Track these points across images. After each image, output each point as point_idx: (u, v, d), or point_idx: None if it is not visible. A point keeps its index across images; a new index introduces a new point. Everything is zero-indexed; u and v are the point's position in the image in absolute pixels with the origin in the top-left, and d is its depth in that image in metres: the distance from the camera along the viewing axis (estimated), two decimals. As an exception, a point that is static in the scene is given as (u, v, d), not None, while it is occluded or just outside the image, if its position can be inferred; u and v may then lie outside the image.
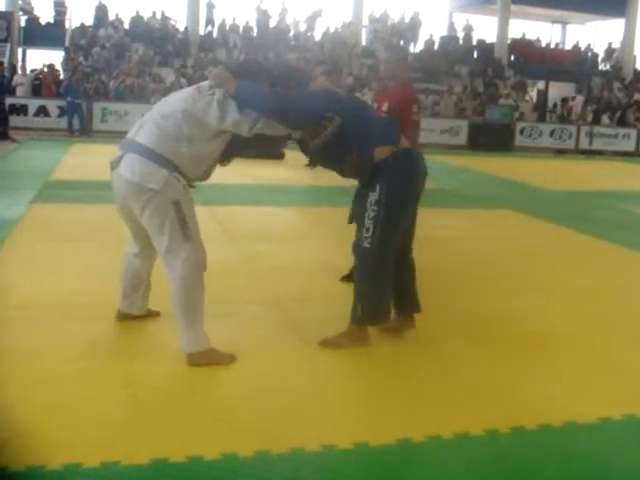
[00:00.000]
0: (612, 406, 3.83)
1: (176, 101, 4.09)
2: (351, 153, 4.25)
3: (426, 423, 3.51)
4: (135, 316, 4.67)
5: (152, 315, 4.78)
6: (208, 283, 5.52)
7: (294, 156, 14.19)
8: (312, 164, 13.78)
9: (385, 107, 5.64)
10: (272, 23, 27.91)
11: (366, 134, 4.23)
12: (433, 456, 3.26)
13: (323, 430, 3.37)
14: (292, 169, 13.30)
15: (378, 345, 4.61)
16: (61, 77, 21.80)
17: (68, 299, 5.20)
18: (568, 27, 36.49)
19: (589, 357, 4.60)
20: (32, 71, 22.33)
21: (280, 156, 14.18)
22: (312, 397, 3.76)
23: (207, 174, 4.33)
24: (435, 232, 8.21)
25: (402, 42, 29.35)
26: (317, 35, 28.52)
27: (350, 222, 4.58)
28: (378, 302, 4.44)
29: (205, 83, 4.15)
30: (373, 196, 4.26)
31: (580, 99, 25.65)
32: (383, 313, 4.49)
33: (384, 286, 4.43)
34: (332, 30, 28.62)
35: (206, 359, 4.04)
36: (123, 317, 4.69)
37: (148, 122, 4.07)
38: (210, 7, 27.71)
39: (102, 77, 21.91)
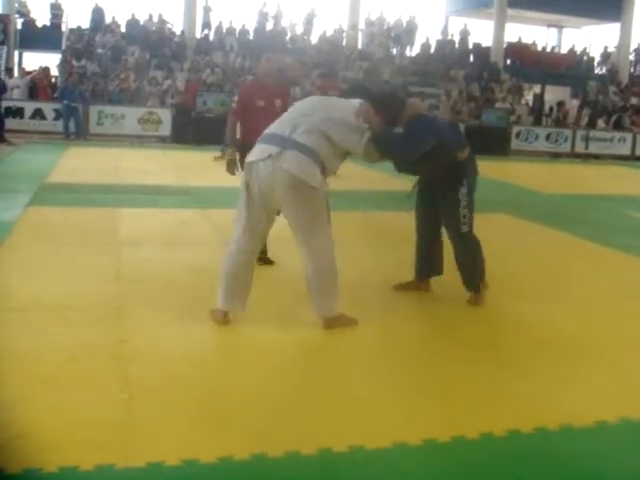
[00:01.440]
0: (608, 409, 3.83)
1: (343, 128, 4.63)
2: (431, 159, 5.11)
3: (422, 426, 3.52)
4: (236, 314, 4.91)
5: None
6: (204, 286, 5.55)
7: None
8: None
9: (279, 104, 6.39)
10: (269, 26, 27.91)
11: (447, 143, 5.17)
12: (429, 459, 3.26)
13: (319, 433, 3.37)
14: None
15: (376, 347, 4.62)
16: (54, 80, 21.76)
17: (65, 301, 5.19)
18: (564, 31, 36.53)
19: (584, 360, 4.61)
20: (28, 73, 22.31)
21: None
22: (308, 400, 3.76)
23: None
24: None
25: (398, 45, 29.44)
26: (313, 37, 28.54)
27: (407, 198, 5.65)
28: (481, 272, 5.59)
29: (353, 112, 4.67)
30: (463, 190, 5.35)
31: (575, 103, 25.69)
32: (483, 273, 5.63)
33: (481, 256, 5.59)
34: (329, 33, 28.62)
35: (339, 322, 4.83)
36: (226, 319, 4.85)
37: (306, 125, 4.59)
38: (207, 10, 27.71)
39: (98, 80, 21.90)
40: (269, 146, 4.56)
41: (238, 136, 6.58)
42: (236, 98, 6.68)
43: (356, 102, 4.79)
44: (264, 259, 6.34)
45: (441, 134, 5.12)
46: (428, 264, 5.81)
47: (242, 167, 5.58)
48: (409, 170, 5.51)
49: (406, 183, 6.05)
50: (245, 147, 6.09)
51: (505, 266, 7.03)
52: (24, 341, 4.34)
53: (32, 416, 3.36)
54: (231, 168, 6.47)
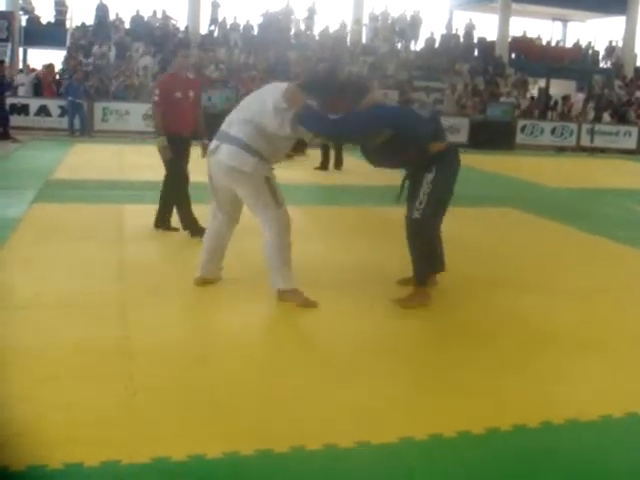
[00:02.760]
0: (613, 404, 3.83)
1: (264, 114, 5.05)
2: (407, 151, 5.26)
3: (428, 421, 3.51)
4: (211, 281, 5.59)
5: (221, 279, 5.68)
6: (208, 284, 5.56)
7: (305, 158, 14.29)
8: (323, 167, 13.83)
9: (192, 95, 7.20)
10: (274, 23, 27.87)
11: (418, 134, 5.25)
12: (435, 454, 3.25)
13: (324, 429, 3.37)
14: (300, 170, 13.24)
15: (379, 342, 4.61)
16: (58, 77, 21.76)
17: (69, 298, 5.19)
18: (569, 25, 36.47)
19: (591, 355, 4.60)
20: (32, 71, 22.32)
21: (302, 151, 14.28)
22: (313, 395, 3.75)
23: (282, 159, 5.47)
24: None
25: (403, 40, 29.37)
26: (316, 32, 28.48)
27: (397, 201, 5.53)
28: (427, 264, 5.47)
29: (280, 96, 5.01)
30: (429, 176, 5.26)
31: (580, 96, 25.59)
32: (430, 273, 5.57)
33: (433, 248, 5.49)
34: (334, 28, 28.58)
35: (291, 296, 5.17)
36: (203, 282, 5.56)
37: (243, 118, 5.15)
38: (215, 6, 27.68)
39: (102, 77, 21.91)
40: (214, 142, 5.27)
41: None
42: (157, 91, 7.16)
43: (281, 87, 5.15)
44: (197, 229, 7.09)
45: (400, 125, 5.18)
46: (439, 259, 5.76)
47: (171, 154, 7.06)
48: (378, 162, 5.56)
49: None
50: (170, 136, 7.03)
51: (510, 260, 7.03)
52: (28, 338, 4.35)
53: (36, 413, 3.36)
54: (165, 153, 7.14)
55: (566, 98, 25.71)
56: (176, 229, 7.42)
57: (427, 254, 5.44)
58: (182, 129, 7.18)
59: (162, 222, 7.48)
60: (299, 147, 6.29)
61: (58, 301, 5.13)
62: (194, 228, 7.23)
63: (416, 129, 5.28)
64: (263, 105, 5.08)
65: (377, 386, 3.93)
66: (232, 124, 5.19)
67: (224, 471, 3.00)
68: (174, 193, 7.41)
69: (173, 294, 5.40)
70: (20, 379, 3.74)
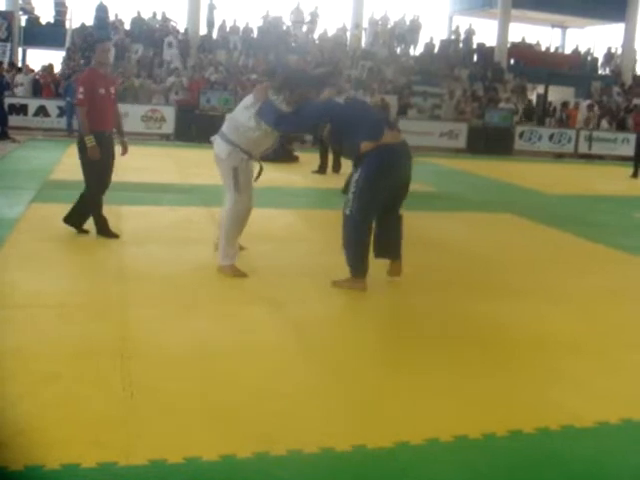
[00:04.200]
0: (610, 410, 3.84)
1: (239, 109, 6.12)
2: (346, 145, 5.80)
3: (424, 426, 3.52)
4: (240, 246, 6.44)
5: (241, 248, 6.49)
6: (207, 284, 5.57)
7: (303, 162, 14.31)
8: (321, 171, 13.86)
9: (113, 91, 7.14)
10: (274, 26, 27.87)
11: (354, 132, 5.62)
12: (431, 459, 3.26)
13: (321, 432, 3.37)
14: (297, 174, 13.26)
15: (376, 346, 4.62)
16: (58, 77, 21.75)
17: (67, 299, 5.20)
18: (568, 31, 36.52)
19: (587, 361, 4.61)
20: (31, 71, 22.31)
21: (294, 159, 14.31)
22: (311, 398, 3.76)
23: (268, 149, 6.33)
24: (435, 235, 8.22)
25: (402, 45, 29.39)
26: (317, 36, 28.49)
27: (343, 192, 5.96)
28: (358, 258, 5.74)
29: (251, 97, 6.00)
30: (355, 176, 5.68)
31: (585, 104, 25.54)
32: (365, 267, 5.77)
33: (361, 243, 5.72)
34: (332, 32, 28.61)
35: (226, 270, 6.00)
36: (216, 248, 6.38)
37: (228, 118, 6.23)
38: (212, 9, 27.69)
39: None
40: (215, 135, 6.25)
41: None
42: (81, 89, 6.90)
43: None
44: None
45: (336, 118, 5.71)
46: (377, 244, 6.03)
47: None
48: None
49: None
50: (95, 135, 6.85)
51: (509, 266, 7.05)
52: (26, 338, 4.35)
53: (34, 413, 3.37)
54: (94, 153, 6.85)
55: (565, 104, 25.72)
56: (87, 231, 7.19)
57: (358, 247, 5.73)
58: (105, 126, 7.05)
59: (76, 221, 7.21)
60: (286, 154, 6.83)
61: (56, 301, 5.13)
62: (106, 230, 7.15)
63: (349, 128, 5.66)
64: (241, 104, 6.15)
65: (374, 390, 3.94)
66: (225, 123, 6.22)
67: (221, 473, 3.00)
68: (97, 195, 7.16)
69: (172, 295, 5.41)
70: (18, 379, 3.75)
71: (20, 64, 24.66)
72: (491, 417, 3.67)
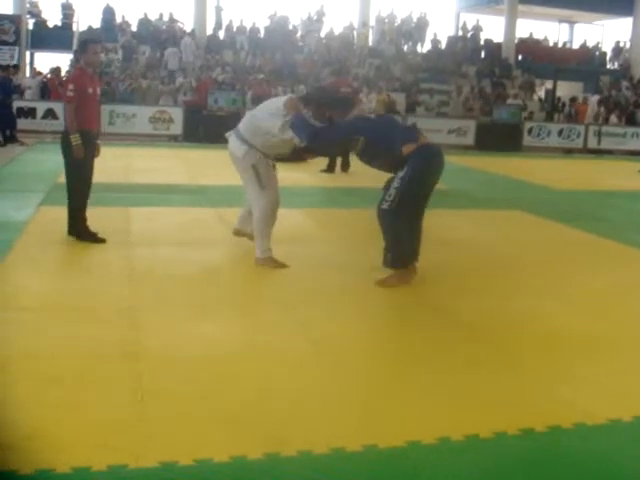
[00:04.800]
0: (622, 407, 3.81)
1: (264, 114, 6.33)
2: (380, 155, 5.94)
3: (435, 425, 3.50)
4: (244, 234, 6.90)
5: (249, 236, 6.82)
6: (217, 285, 5.57)
7: (312, 161, 14.25)
8: (329, 170, 13.82)
9: (98, 92, 7.14)
10: (281, 25, 27.85)
11: (392, 140, 5.85)
12: (443, 458, 3.24)
13: (332, 432, 3.36)
14: (305, 173, 13.21)
15: (387, 344, 4.61)
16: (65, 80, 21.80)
17: (77, 301, 5.21)
18: (576, 26, 36.35)
19: (599, 358, 4.59)
20: (39, 74, 22.35)
21: (302, 159, 14.25)
22: (321, 398, 3.75)
23: (281, 154, 6.60)
24: (446, 233, 8.19)
25: (409, 42, 29.33)
26: (323, 35, 28.46)
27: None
28: (402, 249, 5.88)
29: (282, 104, 6.22)
30: (401, 173, 5.79)
31: (594, 99, 25.40)
32: (405, 258, 5.93)
33: (401, 238, 5.84)
34: (339, 31, 28.57)
35: (265, 262, 6.34)
36: (237, 233, 6.98)
37: (248, 119, 6.54)
38: (219, 10, 27.71)
39: (109, 80, 21.95)
40: (229, 133, 6.58)
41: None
42: (71, 87, 6.89)
43: (284, 98, 6.44)
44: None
45: (369, 134, 5.91)
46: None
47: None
48: (371, 165, 6.26)
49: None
50: (82, 133, 6.78)
51: (520, 263, 7.02)
52: (35, 340, 4.35)
53: (44, 416, 3.36)
54: (79, 152, 6.80)
55: (574, 100, 25.62)
56: (100, 237, 7.03)
57: (396, 241, 5.86)
58: (92, 126, 7.04)
59: (75, 229, 7.09)
60: (299, 157, 7.03)
61: (66, 304, 5.14)
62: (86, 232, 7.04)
63: (385, 137, 5.90)
64: (265, 109, 6.40)
65: (384, 389, 3.93)
66: (242, 121, 6.58)
67: (231, 475, 2.99)
68: (81, 194, 7.12)
69: (182, 297, 5.40)
70: (28, 382, 3.75)
71: (28, 67, 24.73)
72: (502, 416, 3.65)
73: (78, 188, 7.08)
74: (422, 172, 5.81)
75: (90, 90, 6.92)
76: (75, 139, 6.77)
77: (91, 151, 7.00)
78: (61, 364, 4.00)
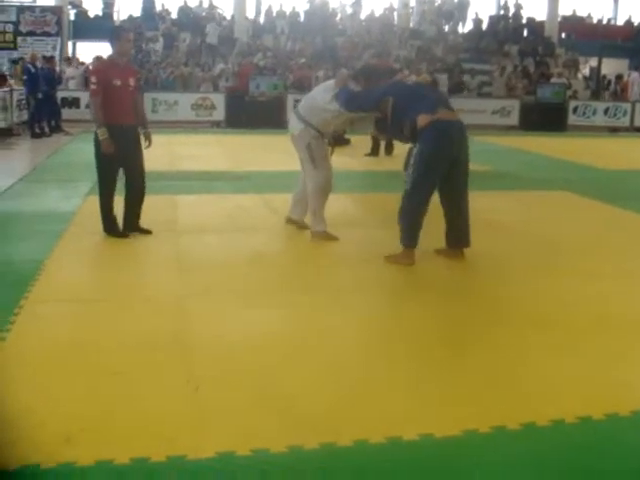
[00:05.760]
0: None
1: (319, 91, 6.90)
2: (406, 122, 5.90)
3: (491, 413, 3.46)
4: (295, 222, 7.21)
5: (304, 226, 7.11)
6: (265, 272, 5.57)
7: (356, 145, 14.23)
8: (373, 153, 13.77)
9: (132, 83, 6.70)
10: (320, 9, 27.74)
11: (413, 108, 5.88)
12: (499, 447, 3.21)
13: (388, 421, 3.34)
14: (350, 157, 13.15)
15: (437, 330, 4.56)
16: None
17: (127, 292, 5.24)
18: (620, 1, 35.67)
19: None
20: (82, 64, 22.54)
21: (346, 142, 14.20)
22: (372, 387, 3.73)
23: (336, 132, 7.30)
24: (492, 215, 8.11)
25: (450, 22, 29.01)
26: (363, 18, 28.30)
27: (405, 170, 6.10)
28: (411, 228, 5.95)
29: (332, 82, 6.81)
30: (414, 150, 5.90)
31: (636, 75, 24.91)
32: (416, 238, 5.98)
33: (414, 214, 5.92)
34: (380, 12, 28.40)
35: (320, 236, 6.75)
36: (288, 221, 7.28)
37: (305, 98, 7.16)
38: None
39: (151, 67, 22.07)
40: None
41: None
42: (94, 79, 6.61)
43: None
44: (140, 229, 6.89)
45: (397, 93, 6.08)
46: (449, 233, 6.22)
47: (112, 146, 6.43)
48: (389, 133, 7.01)
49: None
50: (110, 128, 6.45)
51: (570, 245, 6.91)
52: (89, 332, 4.39)
53: (100, 408, 3.39)
54: (107, 146, 6.48)
55: (620, 77, 25.16)
56: (149, 231, 6.87)
57: (410, 218, 5.95)
58: (125, 119, 6.61)
59: (126, 226, 6.82)
60: (341, 141, 7.18)
61: (116, 294, 5.17)
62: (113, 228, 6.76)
63: (411, 102, 5.96)
64: (321, 87, 6.98)
65: (434, 377, 3.89)
66: (301, 101, 7.14)
67: (289, 465, 2.99)
68: (107, 190, 6.74)
69: (231, 285, 5.42)
70: (82, 374, 3.78)
71: (71, 57, 24.95)
72: (559, 403, 3.59)
73: (104, 182, 6.73)
74: (434, 148, 5.80)
75: (118, 82, 6.55)
76: (102, 133, 6.46)
77: (126, 145, 6.59)
78: (115, 355, 4.03)
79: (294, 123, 6.85)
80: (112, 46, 6.75)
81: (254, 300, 5.07)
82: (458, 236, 6.17)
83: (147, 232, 6.83)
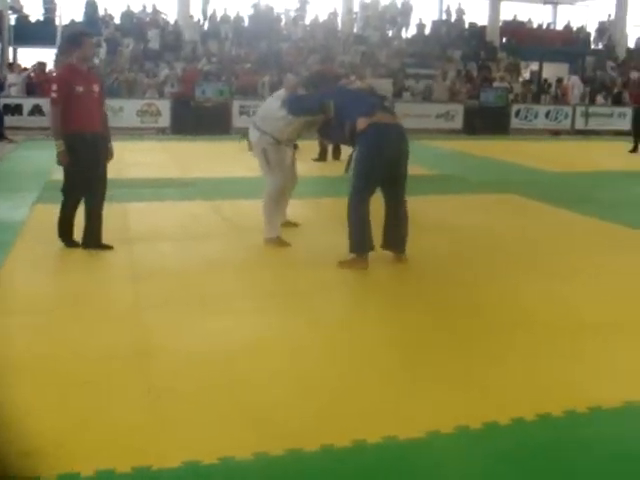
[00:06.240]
0: (637, 390, 3.83)
1: (271, 100, 7.19)
2: (346, 125, 6.08)
3: (454, 414, 3.50)
4: (288, 222, 7.48)
5: (291, 225, 7.50)
6: (221, 279, 5.54)
7: (303, 150, 14.25)
8: (321, 158, 13.81)
9: (97, 89, 6.46)
10: (265, 14, 27.74)
11: (352, 111, 6.07)
12: (462, 448, 3.26)
13: (352, 425, 3.36)
14: (299, 162, 13.10)
15: (404, 332, 4.60)
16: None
17: (82, 301, 5.17)
18: (559, 7, 36.35)
19: (609, 340, 4.59)
20: (24, 70, 22.18)
21: (294, 147, 14.16)
22: (340, 392, 3.75)
23: (291, 139, 7.14)
24: (441, 219, 8.21)
25: (394, 28, 29.26)
26: (308, 23, 28.37)
27: (346, 172, 6.26)
28: (357, 234, 6.02)
29: (282, 90, 7.09)
30: (355, 154, 6.04)
31: (575, 78, 25.39)
32: (363, 243, 6.05)
33: (358, 219, 6.01)
34: (324, 18, 28.50)
35: (273, 242, 6.79)
36: (285, 225, 7.33)
37: (260, 108, 7.46)
38: (205, 1, 27.60)
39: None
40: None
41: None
42: (55, 87, 6.30)
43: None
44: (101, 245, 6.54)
45: (337, 97, 6.25)
46: (385, 236, 6.28)
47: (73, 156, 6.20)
48: (331, 137, 7.46)
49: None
50: (72, 137, 6.20)
51: (520, 248, 7.02)
52: (45, 345, 4.32)
53: (62, 421, 3.34)
54: (63, 158, 6.28)
55: (560, 81, 25.64)
56: (110, 247, 6.56)
57: (356, 223, 6.02)
58: (90, 128, 6.31)
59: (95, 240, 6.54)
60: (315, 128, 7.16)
61: (71, 305, 5.11)
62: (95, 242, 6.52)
63: (350, 106, 6.14)
64: (274, 95, 7.22)
65: (400, 379, 3.92)
66: (258, 111, 7.47)
67: (256, 472, 2.99)
68: (73, 202, 6.60)
69: (187, 293, 5.38)
70: (41, 387, 3.72)
71: (11, 63, 24.54)
72: (519, 401, 3.66)
73: (70, 192, 6.58)
74: (370, 150, 5.91)
75: (80, 88, 6.25)
76: (59, 146, 6.22)
77: (93, 154, 6.37)
78: (73, 367, 3.98)
79: (252, 132, 7.03)
80: (71, 52, 6.41)
81: (212, 308, 5.05)
82: (394, 241, 6.27)
83: (108, 248, 6.51)
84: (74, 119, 6.23)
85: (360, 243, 6.04)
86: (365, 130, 5.93)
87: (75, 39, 6.54)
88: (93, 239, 6.50)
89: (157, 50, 24.37)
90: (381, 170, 6.00)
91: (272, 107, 6.90)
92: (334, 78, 7.17)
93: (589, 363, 4.23)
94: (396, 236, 6.23)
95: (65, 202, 6.62)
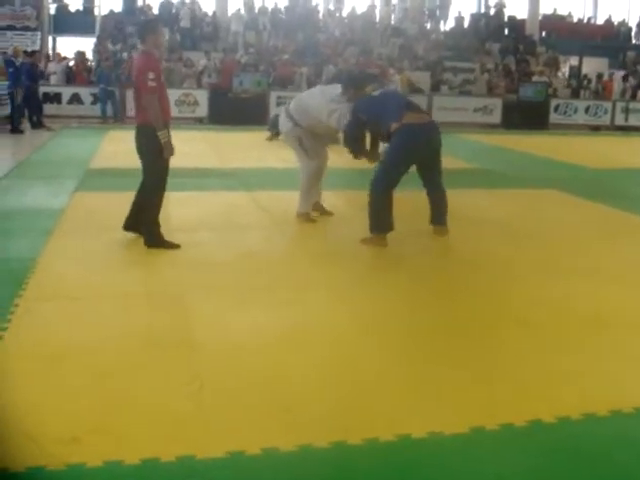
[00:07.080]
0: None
1: (317, 96, 7.22)
2: (382, 132, 6.72)
3: (498, 411, 3.47)
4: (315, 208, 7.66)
5: (326, 213, 7.78)
6: (261, 270, 5.54)
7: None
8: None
9: (163, 78, 6.23)
10: (301, 5, 27.68)
11: (385, 118, 6.58)
12: (506, 444, 3.22)
13: (397, 419, 3.34)
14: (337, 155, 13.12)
15: (437, 333, 4.56)
16: (90, 64, 21.80)
17: (124, 289, 5.18)
18: (600, 1, 35.88)
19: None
20: (63, 59, 22.35)
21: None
22: (380, 385, 3.72)
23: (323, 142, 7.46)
24: (481, 213, 8.13)
25: (432, 20, 29.07)
26: (345, 15, 28.27)
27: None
28: (379, 218, 6.55)
29: (337, 91, 7.04)
30: (386, 147, 6.70)
31: (619, 75, 25.00)
32: (384, 225, 6.56)
33: (379, 202, 6.52)
34: (362, 10, 28.39)
35: (303, 217, 7.38)
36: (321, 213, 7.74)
37: (299, 100, 7.41)
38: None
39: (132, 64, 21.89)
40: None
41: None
42: (152, 75, 5.97)
43: (340, 87, 7.06)
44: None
45: (363, 111, 6.66)
46: (431, 211, 6.93)
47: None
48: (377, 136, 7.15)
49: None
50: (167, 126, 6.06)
51: (560, 244, 6.94)
52: (88, 331, 4.34)
53: (106, 408, 3.36)
54: (170, 150, 6.11)
55: (600, 76, 25.31)
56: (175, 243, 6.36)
57: (376, 206, 6.53)
58: (167, 117, 6.21)
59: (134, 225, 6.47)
60: (373, 154, 7.16)
61: (112, 292, 5.12)
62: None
63: (377, 116, 6.62)
64: (319, 95, 7.18)
65: (441, 375, 3.88)
66: (292, 102, 7.39)
67: (299, 463, 2.98)
68: (160, 197, 6.36)
69: (228, 283, 5.38)
70: (85, 374, 3.73)
71: (51, 53, 24.75)
72: (564, 400, 3.61)
73: (159, 189, 6.32)
74: (399, 148, 6.48)
75: (162, 77, 6.18)
76: (164, 136, 6.00)
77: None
78: (117, 354, 3.99)
79: (283, 121, 7.32)
80: (145, 39, 6.12)
81: (254, 298, 5.04)
82: (435, 217, 6.92)
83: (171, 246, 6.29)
84: (164, 107, 6.12)
85: (382, 225, 6.56)
86: (398, 130, 6.46)
87: (150, 25, 6.41)
88: (137, 224, 6.41)
89: (194, 40, 24.40)
90: (409, 162, 6.62)
91: (317, 105, 7.04)
92: (370, 78, 7.50)
93: (634, 362, 4.15)
94: (436, 212, 6.89)
95: (152, 200, 6.32)
